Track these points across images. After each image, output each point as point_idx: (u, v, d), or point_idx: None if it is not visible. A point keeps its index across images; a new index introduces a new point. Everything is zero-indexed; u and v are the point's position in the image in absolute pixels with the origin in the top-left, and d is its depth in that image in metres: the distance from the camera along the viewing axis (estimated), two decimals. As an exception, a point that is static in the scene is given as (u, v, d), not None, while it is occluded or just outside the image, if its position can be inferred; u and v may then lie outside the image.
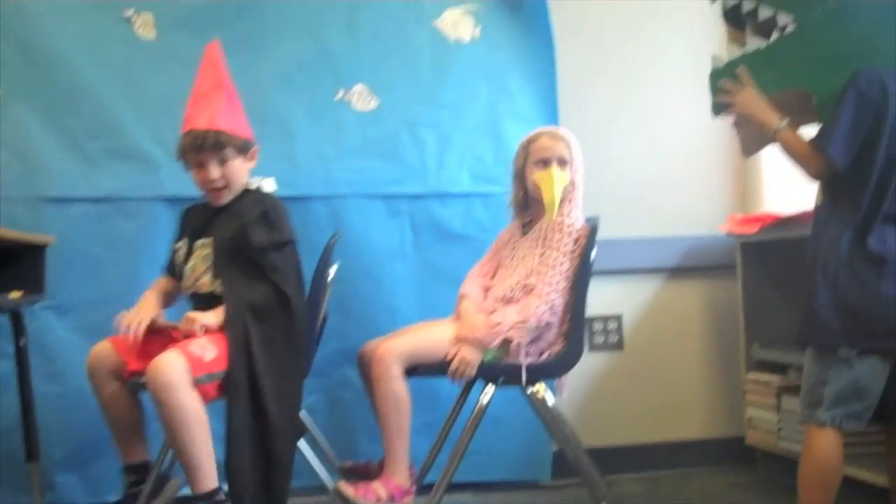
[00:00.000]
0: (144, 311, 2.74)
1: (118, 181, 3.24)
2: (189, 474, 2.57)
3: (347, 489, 2.75)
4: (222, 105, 2.86)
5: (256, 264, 2.78)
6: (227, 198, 2.88)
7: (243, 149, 2.88)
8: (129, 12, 3.38)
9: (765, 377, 3.42)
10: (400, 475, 2.81)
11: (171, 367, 2.52)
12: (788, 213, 3.32)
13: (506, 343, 2.85)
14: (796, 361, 3.27)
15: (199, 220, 2.92)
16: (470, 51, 3.63)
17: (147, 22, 3.41)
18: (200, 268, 2.84)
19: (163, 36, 3.41)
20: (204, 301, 2.81)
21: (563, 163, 2.98)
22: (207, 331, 2.68)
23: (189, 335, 2.66)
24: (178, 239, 2.93)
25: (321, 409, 3.40)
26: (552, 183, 2.94)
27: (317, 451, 3.08)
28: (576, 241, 2.93)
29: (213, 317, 2.70)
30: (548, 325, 2.89)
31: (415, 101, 3.57)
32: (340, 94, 3.53)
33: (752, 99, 2.53)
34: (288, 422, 2.73)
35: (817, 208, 2.49)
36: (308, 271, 3.05)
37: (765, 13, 2.49)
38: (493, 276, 3.10)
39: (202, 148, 2.78)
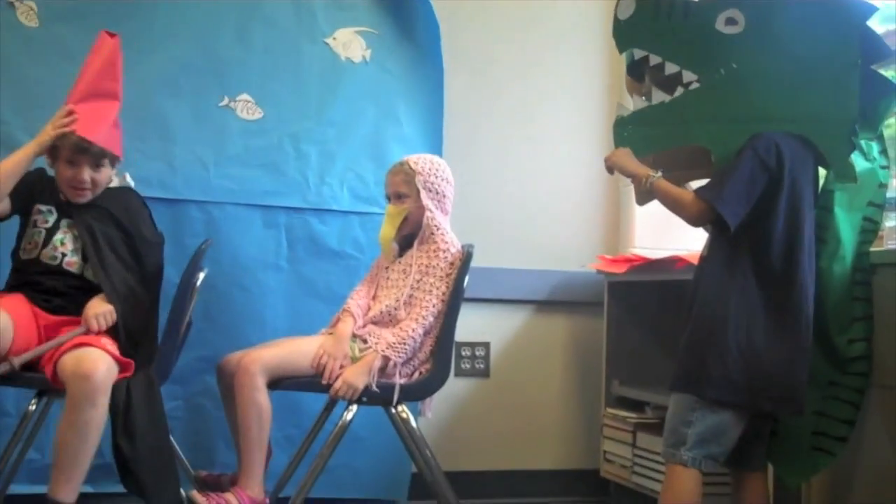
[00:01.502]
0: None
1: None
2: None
3: (200, 499, 2.71)
4: (111, 118, 2.89)
5: (139, 258, 2.87)
6: (88, 197, 2.87)
7: (114, 162, 2.93)
8: (13, -3, 3.29)
9: (622, 413, 3.50)
10: (254, 487, 2.79)
11: (109, 369, 2.56)
12: (656, 256, 3.41)
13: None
14: (654, 400, 3.38)
15: (60, 200, 2.88)
16: (360, 71, 3.65)
17: (30, 10, 3.32)
18: (68, 245, 2.82)
19: (46, 26, 3.33)
20: (65, 279, 2.80)
21: (398, 197, 3.07)
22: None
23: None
24: (38, 200, 2.87)
25: (180, 416, 3.33)
26: (385, 220, 3.09)
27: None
28: (451, 264, 2.98)
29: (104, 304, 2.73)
30: (417, 347, 2.93)
31: (301, 115, 3.57)
32: (225, 101, 3.51)
33: (623, 156, 2.63)
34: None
35: (706, 259, 2.53)
36: (177, 275, 3.01)
37: (671, 69, 2.56)
38: (373, 298, 3.13)
39: (85, 153, 2.80)
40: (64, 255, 2.81)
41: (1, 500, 2.92)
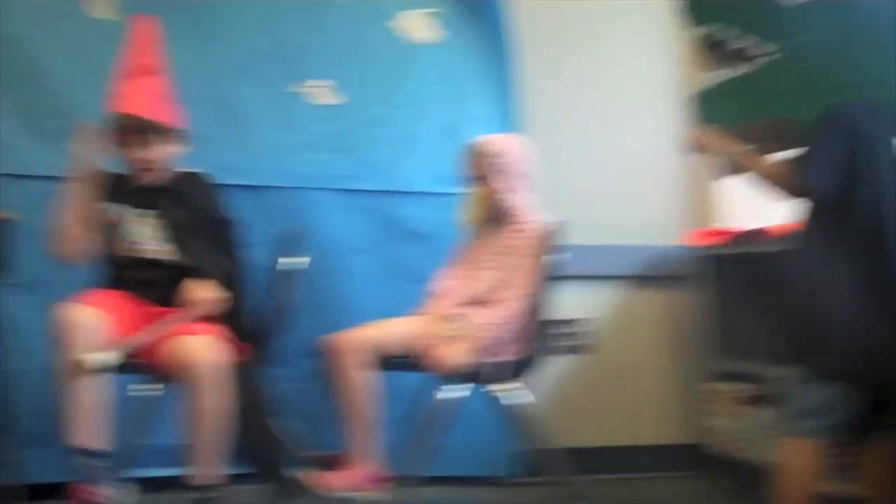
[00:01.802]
0: None
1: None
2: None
3: (315, 477, 2.75)
4: (157, 93, 2.87)
5: (219, 241, 2.88)
6: (148, 178, 2.87)
7: (170, 136, 2.88)
8: (89, -8, 3.31)
9: (722, 386, 3.46)
10: (368, 464, 2.82)
11: (217, 354, 2.57)
12: (748, 228, 3.38)
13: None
14: (752, 371, 3.34)
15: (131, 191, 2.86)
16: (430, 53, 3.65)
17: (106, 2, 3.33)
18: (151, 236, 2.81)
19: (122, 16, 3.30)
20: (159, 270, 2.80)
21: (479, 179, 3.04)
22: None
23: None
24: (114, 200, 2.85)
25: (287, 399, 3.31)
26: (469, 203, 3.06)
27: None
28: (537, 242, 2.95)
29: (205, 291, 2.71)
30: (512, 327, 2.91)
31: (375, 99, 3.57)
32: (300, 86, 3.51)
33: (709, 134, 2.60)
34: None
35: (806, 232, 2.49)
36: (268, 260, 3.01)
37: (747, 41, 2.53)
38: (462, 280, 3.11)
39: (132, 130, 2.79)
40: (150, 246, 2.81)
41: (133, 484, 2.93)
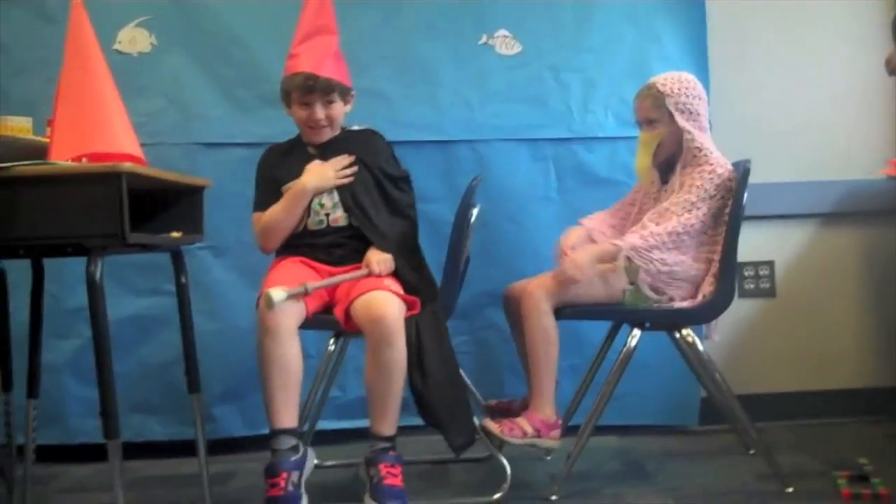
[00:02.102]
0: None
1: (269, 127, 3.29)
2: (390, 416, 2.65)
3: (494, 426, 2.79)
4: (331, 52, 2.92)
5: (393, 198, 2.92)
6: (327, 136, 2.94)
7: (345, 94, 2.94)
8: (282, -39, 3.45)
9: (925, 326, 3.29)
10: (546, 410, 2.83)
11: (400, 310, 2.64)
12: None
13: (633, 270, 2.83)
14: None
15: (300, 160, 2.94)
16: (615, -7, 3.56)
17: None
18: (328, 204, 2.89)
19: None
20: (336, 234, 2.88)
21: (649, 122, 2.96)
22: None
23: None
24: (283, 180, 2.92)
25: (467, 351, 3.44)
26: (639, 149, 2.98)
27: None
28: (717, 186, 2.85)
29: (382, 253, 2.80)
30: (674, 269, 2.85)
31: (559, 45, 3.55)
32: (484, 39, 3.54)
33: None
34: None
35: None
36: (451, 214, 3.08)
37: None
38: (623, 218, 3.10)
39: (313, 90, 2.85)
40: (328, 214, 2.88)
41: (311, 436, 3.11)
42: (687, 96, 2.92)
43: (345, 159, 2.89)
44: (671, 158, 2.98)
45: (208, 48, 3.42)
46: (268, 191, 2.92)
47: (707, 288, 2.88)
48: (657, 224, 2.85)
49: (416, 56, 3.50)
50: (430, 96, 3.51)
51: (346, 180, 2.87)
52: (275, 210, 2.87)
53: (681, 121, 2.90)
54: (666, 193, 2.98)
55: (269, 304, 2.54)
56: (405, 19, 3.50)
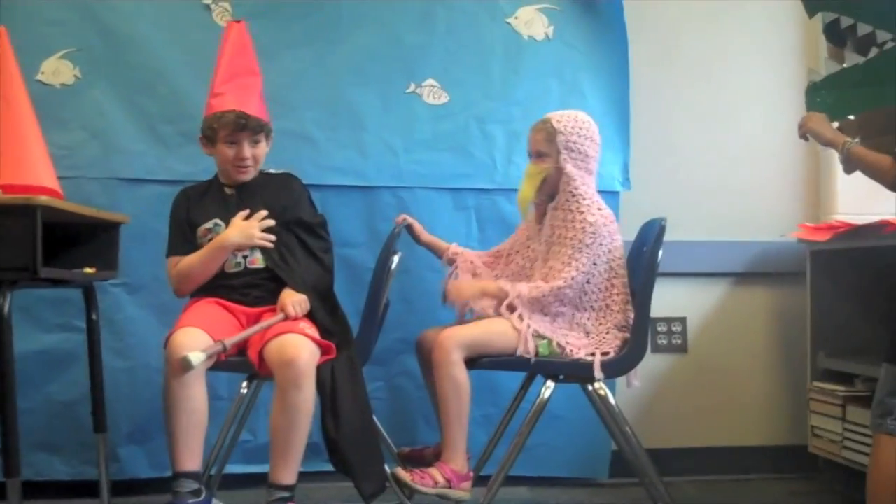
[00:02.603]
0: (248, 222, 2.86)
1: (192, 164, 3.27)
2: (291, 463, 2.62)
3: (404, 475, 2.76)
4: (258, 93, 2.95)
5: (307, 244, 2.93)
6: (251, 175, 2.94)
7: (269, 135, 2.97)
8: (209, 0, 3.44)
9: (830, 386, 3.36)
10: (457, 461, 2.81)
11: (312, 354, 2.64)
12: (861, 222, 3.26)
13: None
14: (863, 372, 3.23)
15: (218, 200, 2.95)
16: (543, 49, 3.63)
17: (225, 10, 3.45)
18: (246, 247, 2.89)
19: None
20: (253, 275, 2.87)
21: (539, 155, 2.98)
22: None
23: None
24: (198, 221, 2.91)
25: (381, 397, 3.43)
26: (524, 180, 3.00)
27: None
28: (591, 234, 2.86)
29: (297, 294, 2.80)
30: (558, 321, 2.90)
31: (485, 96, 3.58)
32: (412, 87, 3.56)
33: (818, 122, 2.55)
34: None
35: None
36: (372, 260, 3.09)
37: (863, 29, 2.46)
38: (497, 256, 3.16)
39: (244, 128, 2.86)
40: (245, 256, 2.88)
41: (218, 480, 3.07)
42: (579, 136, 2.94)
43: (266, 220, 2.86)
44: (551, 196, 3.00)
45: (133, 82, 3.38)
46: (181, 234, 2.90)
47: (605, 336, 2.91)
48: (545, 280, 2.88)
49: (343, 100, 3.50)
50: (355, 141, 3.50)
51: (267, 245, 2.84)
52: (192, 260, 2.85)
53: (565, 160, 2.92)
54: (541, 233, 3.00)
55: (187, 366, 2.52)
56: (334, 63, 3.50)
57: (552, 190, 2.98)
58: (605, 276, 2.92)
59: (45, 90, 3.31)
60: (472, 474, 2.87)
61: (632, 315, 2.94)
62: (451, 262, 3.17)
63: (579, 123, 2.97)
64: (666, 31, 3.80)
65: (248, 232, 2.84)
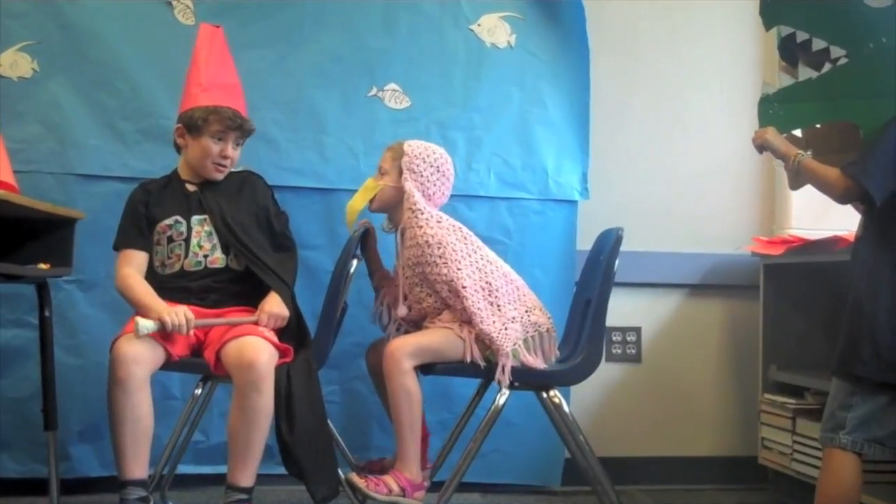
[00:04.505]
0: (180, 309, 2.70)
1: (149, 162, 3.26)
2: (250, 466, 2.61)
3: (359, 481, 2.76)
4: (243, 98, 2.98)
5: (277, 232, 2.96)
6: (223, 176, 2.95)
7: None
8: (171, -3, 3.42)
9: (781, 399, 3.41)
10: (411, 469, 2.81)
11: (271, 356, 2.62)
12: (814, 237, 3.31)
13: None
14: (813, 385, 3.28)
15: (179, 197, 2.93)
16: (505, 57, 3.64)
17: (187, 7, 3.43)
18: (207, 246, 2.87)
19: (201, 22, 3.41)
20: (212, 277, 2.85)
21: (380, 172, 3.04)
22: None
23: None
24: (157, 218, 2.88)
25: (336, 401, 3.42)
26: (359, 191, 3.04)
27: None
28: (438, 243, 2.88)
29: (282, 307, 2.80)
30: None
31: (447, 102, 3.59)
32: (374, 91, 3.55)
33: (771, 135, 2.58)
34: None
35: (859, 239, 2.49)
36: (330, 263, 3.08)
37: (818, 45, 2.50)
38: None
39: (239, 128, 2.89)
40: (206, 255, 2.87)
41: (170, 480, 3.05)
42: (423, 162, 2.99)
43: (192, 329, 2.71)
44: (392, 216, 3.06)
45: (92, 77, 3.33)
46: (136, 228, 2.86)
47: (505, 332, 2.87)
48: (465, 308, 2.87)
49: (304, 102, 3.49)
50: (316, 143, 3.49)
51: (190, 337, 2.74)
52: (134, 293, 2.74)
53: (405, 179, 2.96)
54: (399, 258, 3.03)
55: (137, 332, 2.51)
56: (297, 64, 3.48)
57: (392, 210, 3.04)
58: (477, 277, 2.91)
59: (2, 83, 3.27)
60: (425, 483, 2.87)
61: (528, 303, 2.97)
62: (378, 288, 3.16)
63: (428, 152, 3.03)
64: (627, 43, 3.83)
65: (179, 318, 2.64)
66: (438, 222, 2.94)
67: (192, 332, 2.67)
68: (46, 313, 2.69)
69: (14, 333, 3.25)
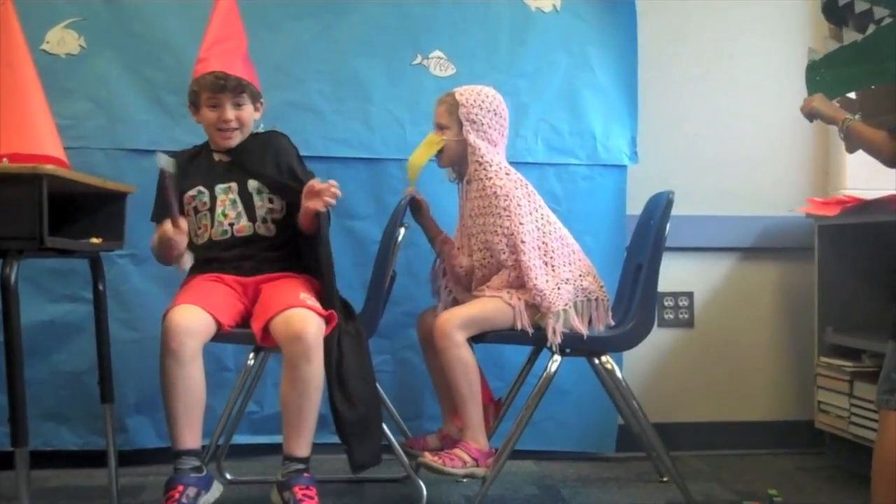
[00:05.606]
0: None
1: (197, 134, 3.23)
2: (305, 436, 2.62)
3: (434, 459, 2.76)
4: (241, 55, 2.92)
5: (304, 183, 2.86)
6: (237, 139, 2.91)
7: (256, 97, 2.93)
8: (214, -31, 3.41)
9: (837, 362, 3.36)
10: (478, 439, 2.83)
11: (318, 327, 2.61)
12: (870, 196, 3.24)
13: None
14: (870, 347, 3.23)
15: (205, 167, 2.93)
16: (551, 21, 3.60)
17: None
18: (232, 214, 2.87)
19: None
20: (242, 246, 2.85)
21: (439, 128, 3.01)
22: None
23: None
24: (185, 188, 2.89)
25: (388, 370, 3.45)
26: (420, 146, 3.03)
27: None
28: (505, 196, 2.88)
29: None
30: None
31: (492, 69, 3.55)
32: (418, 59, 3.53)
33: (819, 102, 2.54)
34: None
35: None
36: (379, 232, 3.08)
37: (861, 6, 2.45)
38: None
39: (224, 89, 2.83)
40: (231, 224, 2.86)
41: (225, 450, 3.08)
42: (480, 109, 2.96)
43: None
44: (458, 168, 3.04)
45: (138, 52, 3.36)
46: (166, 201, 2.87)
47: (558, 291, 2.87)
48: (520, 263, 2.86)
49: (350, 72, 3.48)
50: (362, 113, 3.49)
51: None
52: (155, 240, 2.81)
53: (467, 132, 2.94)
54: (463, 208, 3.03)
55: (158, 163, 2.57)
56: (341, 34, 3.47)
57: (459, 163, 3.02)
58: (536, 235, 2.90)
59: (50, 60, 3.30)
60: (493, 451, 2.87)
61: (582, 267, 2.95)
62: (440, 253, 3.15)
63: (482, 97, 2.99)
64: (675, 5, 3.76)
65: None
66: (507, 174, 2.94)
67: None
68: (100, 287, 2.71)
69: (69, 308, 3.30)
